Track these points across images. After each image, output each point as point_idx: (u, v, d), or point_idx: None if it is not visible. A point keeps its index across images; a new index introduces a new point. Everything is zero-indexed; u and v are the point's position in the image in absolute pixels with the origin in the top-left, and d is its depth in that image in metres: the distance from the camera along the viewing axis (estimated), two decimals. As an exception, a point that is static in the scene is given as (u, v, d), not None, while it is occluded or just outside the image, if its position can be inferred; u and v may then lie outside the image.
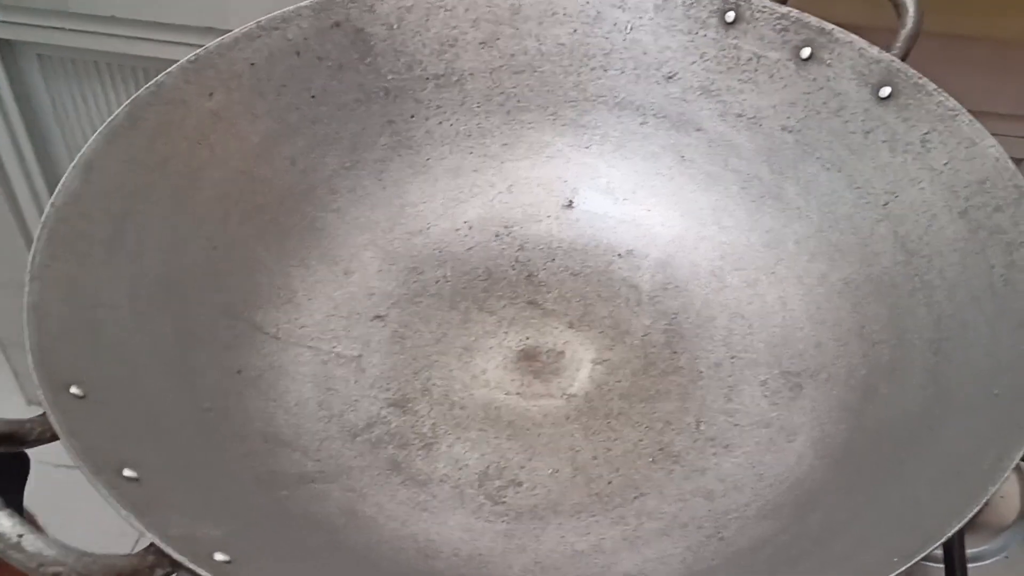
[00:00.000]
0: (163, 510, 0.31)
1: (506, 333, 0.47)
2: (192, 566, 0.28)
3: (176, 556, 0.28)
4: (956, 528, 0.29)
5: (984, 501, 0.30)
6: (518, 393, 0.44)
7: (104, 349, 0.37)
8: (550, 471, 0.42)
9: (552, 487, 0.41)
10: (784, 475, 0.40)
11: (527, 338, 0.47)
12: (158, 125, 0.44)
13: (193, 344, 0.41)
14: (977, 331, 0.38)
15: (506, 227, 0.50)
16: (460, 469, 0.42)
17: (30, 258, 0.37)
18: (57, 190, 0.40)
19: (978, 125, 0.42)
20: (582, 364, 0.45)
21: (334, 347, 0.45)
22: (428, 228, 0.50)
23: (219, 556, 0.30)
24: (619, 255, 0.49)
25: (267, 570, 0.32)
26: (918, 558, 0.29)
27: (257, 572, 0.31)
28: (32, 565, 0.27)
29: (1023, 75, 0.65)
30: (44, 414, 0.32)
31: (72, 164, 0.40)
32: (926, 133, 0.43)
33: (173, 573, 0.29)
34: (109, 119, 0.42)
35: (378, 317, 0.47)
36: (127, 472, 0.32)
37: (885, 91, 0.45)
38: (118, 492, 0.30)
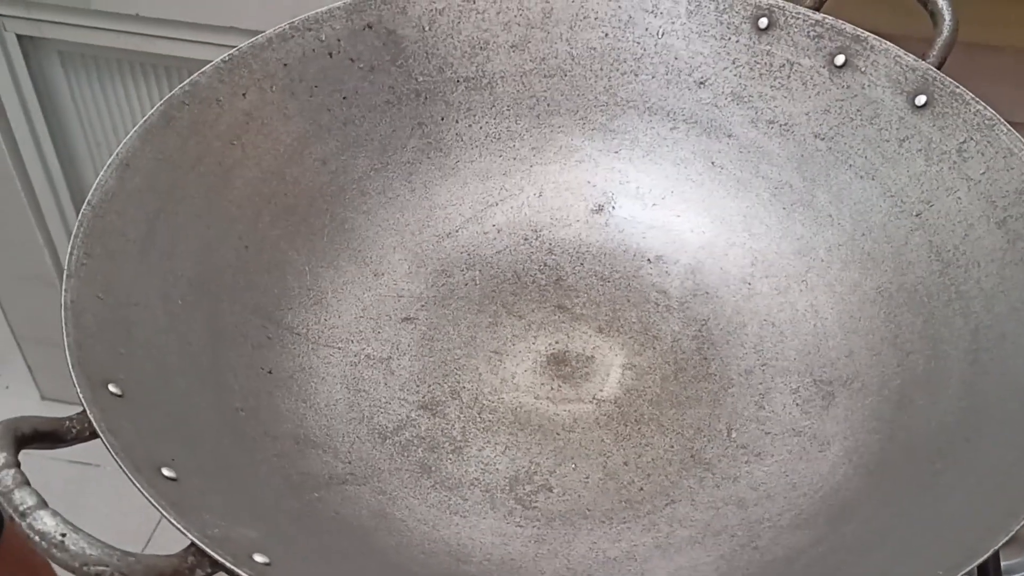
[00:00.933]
0: (201, 510, 0.31)
1: (535, 337, 0.47)
2: (234, 567, 0.28)
3: (218, 557, 0.28)
4: (1001, 542, 0.29)
5: (1030, 515, 0.30)
6: (548, 397, 0.44)
7: (138, 348, 0.37)
8: (581, 476, 0.41)
9: (583, 492, 0.41)
10: (818, 484, 0.40)
11: (556, 342, 0.46)
12: (192, 124, 0.44)
13: (224, 344, 0.41)
14: (1016, 343, 0.37)
15: (535, 231, 0.50)
16: (490, 473, 0.41)
17: (67, 255, 0.37)
18: (93, 188, 0.40)
19: (1016, 135, 0.42)
20: (612, 369, 0.45)
21: (363, 349, 0.45)
22: (457, 231, 0.50)
23: (258, 558, 0.30)
24: (648, 260, 0.49)
25: (303, 572, 0.32)
26: (963, 572, 0.29)
27: (294, 574, 0.31)
28: (75, 564, 0.26)
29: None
30: (83, 412, 0.32)
31: (107, 163, 0.40)
32: (963, 142, 0.43)
33: (213, 574, 0.29)
34: (144, 118, 0.42)
35: (407, 319, 0.47)
36: (166, 471, 0.32)
37: (921, 99, 0.44)
38: (159, 491, 0.30)
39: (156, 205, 0.41)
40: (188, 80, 0.44)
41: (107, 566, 0.26)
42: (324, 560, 0.35)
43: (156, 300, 0.40)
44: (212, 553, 0.28)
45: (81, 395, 0.32)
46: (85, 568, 0.26)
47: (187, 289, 0.41)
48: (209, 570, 0.28)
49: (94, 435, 0.31)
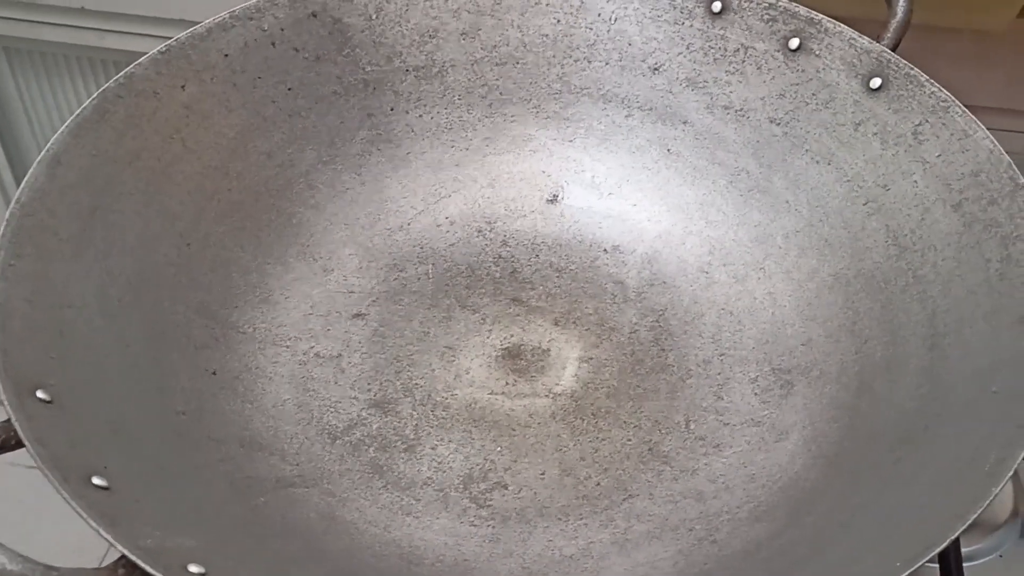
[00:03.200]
0: (134, 520, 0.30)
1: (490, 331, 0.45)
2: (164, 580, 0.27)
3: (148, 569, 0.27)
4: (959, 531, 0.28)
5: (987, 503, 0.29)
6: (503, 392, 0.43)
7: (72, 351, 0.36)
8: (536, 473, 0.41)
9: (539, 489, 0.40)
10: (777, 475, 0.39)
11: (511, 336, 0.45)
12: (128, 118, 0.42)
13: (165, 345, 0.40)
14: (974, 327, 0.37)
15: (489, 223, 0.49)
16: (444, 472, 0.40)
17: (-7, 256, 0.35)
18: (21, 186, 0.38)
19: (971, 117, 0.41)
20: (568, 362, 0.44)
21: (313, 347, 0.44)
22: (409, 224, 0.49)
23: (193, 568, 0.28)
24: (605, 251, 0.48)
25: (244, 582, 0.30)
26: (922, 562, 0.28)
27: (233, 584, 0.29)
28: (-6, 581, 0.25)
29: (1005, 68, 0.65)
30: (8, 420, 0.30)
31: (37, 159, 0.39)
32: (918, 125, 0.42)
33: (145, 587, 0.27)
34: (76, 112, 0.41)
35: (358, 315, 0.46)
36: (96, 480, 0.30)
37: (876, 82, 0.44)
38: (87, 502, 0.28)
39: (91, 202, 0.40)
40: (123, 72, 0.43)
41: (28, 582, 0.25)
42: (268, 567, 0.33)
43: (92, 301, 0.38)
44: (142, 564, 0.27)
45: (6, 402, 0.31)
46: (5, 585, 0.25)
47: (125, 289, 0.40)
48: (140, 583, 0.27)
49: (19, 444, 0.30)
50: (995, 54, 0.63)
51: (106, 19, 0.80)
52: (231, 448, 0.39)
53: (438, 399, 0.43)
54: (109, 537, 0.28)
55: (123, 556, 0.27)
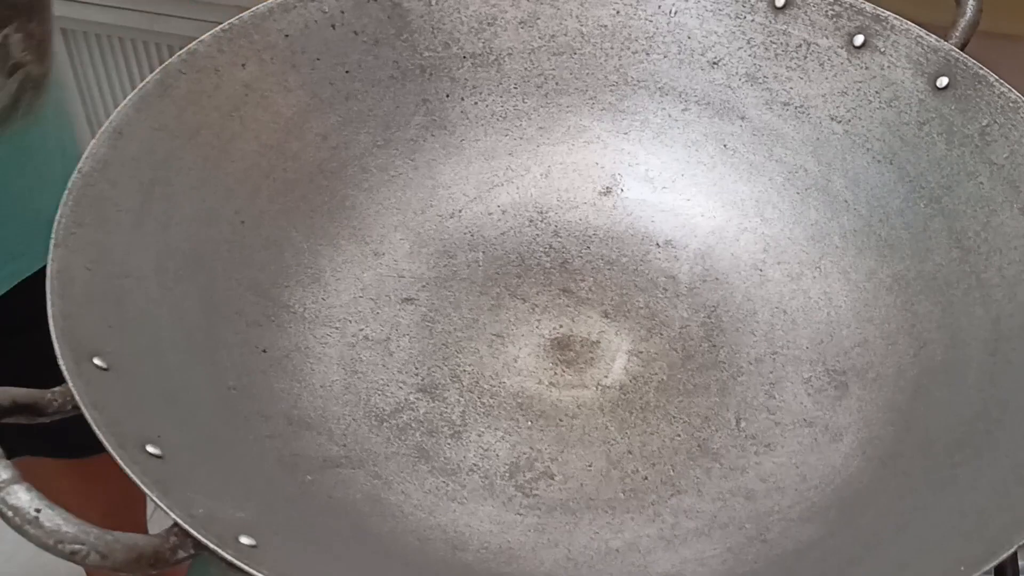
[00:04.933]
0: (187, 489, 0.30)
1: (539, 321, 0.45)
2: (217, 549, 0.27)
3: (201, 538, 0.27)
4: (1026, 537, 0.28)
5: (1056, 509, 0.28)
6: (550, 383, 0.43)
7: (128, 320, 0.36)
8: (583, 464, 0.40)
9: (585, 481, 0.40)
10: (829, 477, 0.38)
11: (560, 326, 0.45)
12: (189, 94, 0.42)
13: (219, 320, 0.40)
14: (1039, 332, 0.36)
15: (540, 213, 0.49)
16: (490, 459, 0.40)
17: (55, 224, 0.36)
18: (84, 156, 0.38)
19: (1042, 119, 0.40)
20: (617, 355, 0.44)
21: (362, 329, 0.44)
22: (460, 211, 0.49)
23: (244, 539, 0.28)
24: (657, 245, 0.48)
25: (292, 555, 0.30)
26: (987, 567, 0.27)
27: (282, 557, 0.29)
28: (50, 542, 0.25)
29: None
30: (66, 385, 0.31)
31: (100, 130, 0.39)
32: (986, 125, 0.41)
33: (196, 555, 0.27)
34: (139, 86, 0.41)
35: (407, 300, 0.45)
36: (150, 448, 0.30)
37: (942, 81, 0.43)
38: (142, 468, 0.29)
39: (151, 175, 0.40)
40: (186, 48, 0.43)
41: (83, 544, 0.25)
42: (315, 544, 0.33)
43: (149, 272, 0.38)
44: (195, 533, 0.27)
45: (64, 367, 0.31)
46: (60, 546, 0.25)
47: (181, 263, 0.40)
48: (192, 551, 0.27)
49: (76, 409, 0.30)
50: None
51: (161, 3, 0.81)
52: (279, 425, 0.38)
53: (485, 386, 0.43)
54: (163, 504, 0.28)
55: (176, 524, 0.27)
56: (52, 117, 0.56)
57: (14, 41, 0.50)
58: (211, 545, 0.27)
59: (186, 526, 0.27)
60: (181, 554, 0.27)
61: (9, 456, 0.26)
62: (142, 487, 0.28)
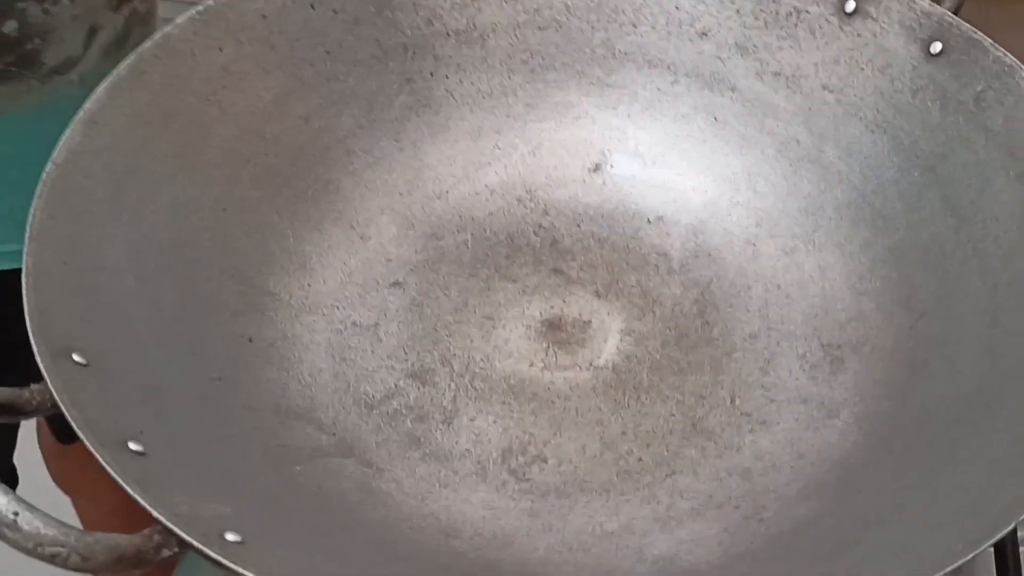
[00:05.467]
0: (170, 487, 0.29)
1: (529, 302, 0.44)
2: (201, 547, 0.26)
3: (184, 536, 0.26)
4: (1026, 514, 0.27)
5: (1057, 485, 0.28)
6: (542, 364, 0.42)
7: (107, 314, 0.35)
8: (577, 447, 0.40)
9: (579, 464, 0.39)
10: (826, 453, 0.38)
11: (551, 307, 0.44)
12: (164, 79, 0.41)
13: (201, 311, 0.39)
14: (1038, 302, 0.35)
15: (529, 191, 0.48)
16: (482, 444, 0.40)
17: (29, 217, 0.35)
18: (58, 147, 0.37)
19: (1038, 82, 0.39)
20: (609, 334, 0.43)
21: (349, 315, 0.43)
22: (448, 192, 0.48)
23: (230, 536, 0.28)
24: (648, 221, 0.47)
25: (279, 551, 0.30)
26: (986, 545, 0.27)
27: (269, 553, 0.29)
28: (29, 545, 0.25)
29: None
30: (44, 383, 0.30)
31: (73, 119, 0.38)
32: (981, 91, 0.41)
33: (181, 554, 0.27)
34: (113, 72, 0.40)
35: (395, 284, 0.45)
36: (132, 445, 0.30)
37: (936, 47, 0.42)
38: (124, 467, 0.28)
39: (126, 164, 0.39)
40: (160, 32, 0.42)
41: (63, 547, 0.25)
42: (304, 537, 0.33)
43: (126, 264, 0.38)
44: (178, 531, 0.26)
45: (41, 364, 0.30)
46: (40, 549, 0.25)
47: (160, 253, 0.39)
48: (176, 550, 0.26)
49: (55, 407, 0.29)
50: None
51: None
52: (266, 416, 0.38)
53: (477, 370, 0.42)
54: (145, 503, 0.27)
55: (159, 522, 0.27)
56: None
57: None
58: (195, 543, 0.26)
59: (169, 524, 0.26)
60: (165, 553, 0.26)
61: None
62: (123, 485, 0.27)
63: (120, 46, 0.52)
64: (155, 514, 0.27)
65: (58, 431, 0.67)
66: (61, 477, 0.71)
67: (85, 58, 0.51)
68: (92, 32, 0.51)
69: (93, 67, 0.52)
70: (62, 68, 0.51)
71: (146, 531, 0.27)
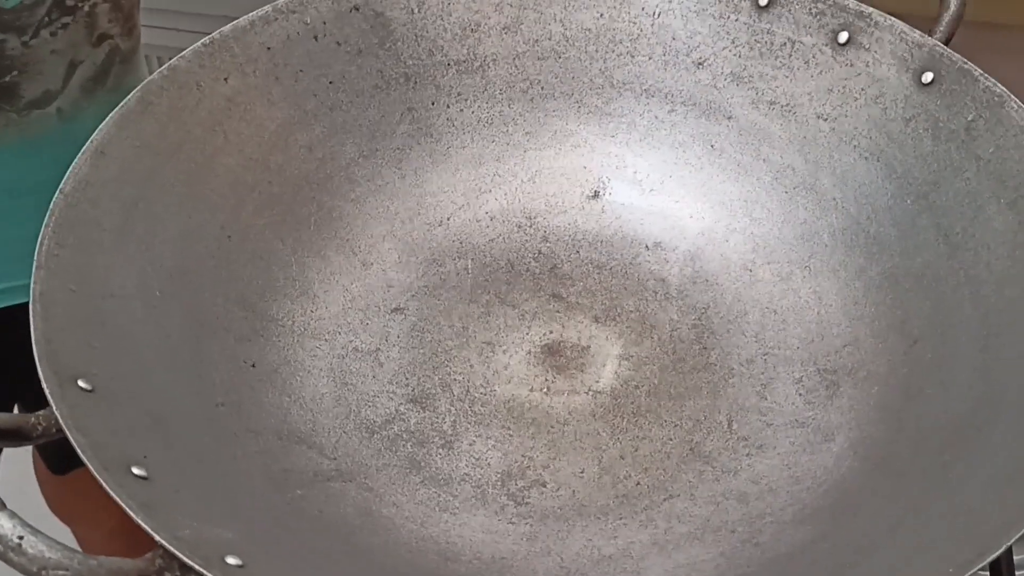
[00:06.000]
0: (173, 511, 0.30)
1: (529, 327, 0.45)
2: (203, 571, 0.27)
3: (186, 559, 0.27)
4: (1015, 537, 0.27)
5: (1046, 509, 0.28)
6: (542, 389, 0.43)
7: (113, 341, 0.36)
8: (575, 471, 0.40)
9: (577, 488, 0.39)
10: (822, 478, 0.38)
11: (551, 332, 0.45)
12: (171, 110, 0.42)
13: (205, 337, 0.40)
14: (1029, 328, 0.36)
15: (529, 218, 0.49)
16: (481, 468, 0.40)
17: (37, 246, 0.36)
18: (66, 176, 0.38)
19: (1027, 112, 0.40)
20: (608, 359, 0.44)
21: (351, 341, 0.44)
22: (448, 219, 0.48)
23: (231, 560, 0.28)
24: (646, 247, 0.48)
25: (280, 574, 0.30)
26: (975, 569, 0.27)
27: (271, 576, 0.29)
28: (33, 569, 0.25)
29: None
30: (50, 409, 0.31)
31: (82, 150, 0.39)
32: (971, 120, 0.41)
33: (182, 577, 0.27)
34: (120, 104, 0.41)
35: (397, 310, 0.45)
36: (136, 470, 0.30)
37: (927, 77, 0.43)
38: (127, 491, 0.28)
39: (133, 193, 0.40)
40: (167, 64, 0.43)
41: (67, 570, 0.25)
42: (305, 561, 0.33)
43: (133, 291, 0.38)
44: (180, 555, 0.27)
45: (48, 391, 0.31)
46: (44, 573, 0.25)
47: (166, 280, 0.40)
48: (178, 573, 0.27)
49: (60, 432, 0.30)
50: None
51: (146, 15, 0.80)
52: (269, 440, 0.38)
53: (476, 395, 0.42)
54: (147, 527, 0.27)
55: (161, 546, 0.27)
56: None
57: (101, 11, 0.51)
58: (197, 566, 0.27)
59: (171, 548, 0.27)
60: (167, 576, 0.27)
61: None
62: (127, 510, 0.28)
63: (99, 81, 0.53)
64: (157, 538, 0.27)
65: (51, 461, 0.67)
66: (58, 506, 0.71)
67: (65, 92, 0.51)
68: (72, 66, 0.51)
69: (72, 101, 0.52)
70: (41, 102, 0.51)
71: (148, 555, 0.27)
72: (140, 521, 0.28)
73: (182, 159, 0.42)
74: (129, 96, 0.41)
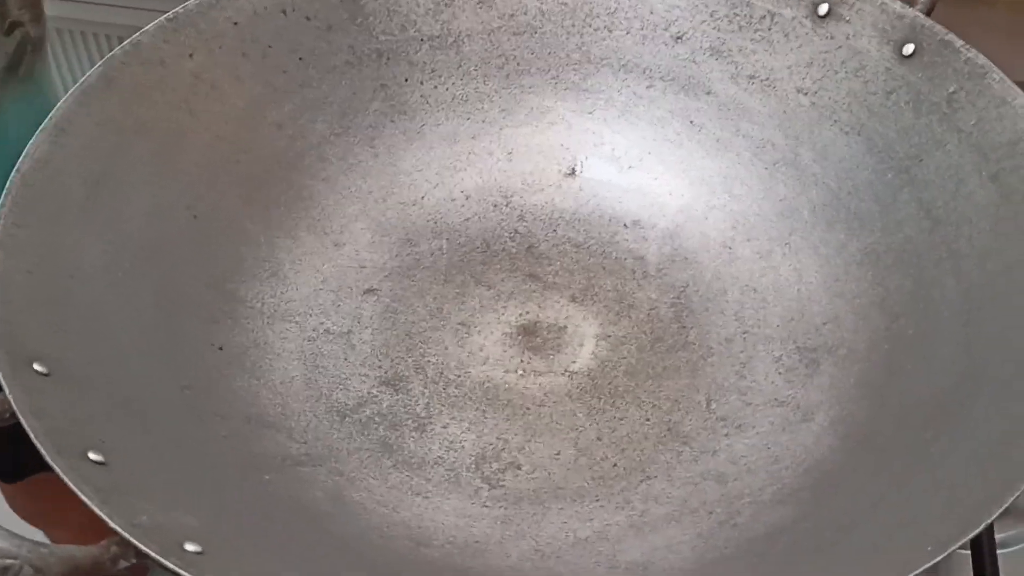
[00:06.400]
0: (131, 497, 0.29)
1: (505, 307, 0.44)
2: (158, 558, 0.26)
3: (141, 547, 0.26)
4: (996, 514, 0.27)
5: (1026, 485, 0.27)
6: (517, 371, 0.42)
7: (74, 323, 0.35)
8: (551, 453, 0.39)
9: (553, 470, 0.39)
10: (801, 457, 0.37)
11: (527, 313, 0.44)
12: (135, 87, 0.41)
13: (172, 318, 0.39)
14: (1011, 302, 0.35)
15: (505, 197, 0.48)
16: (455, 451, 0.39)
17: (-6, 226, 0.35)
18: (24, 155, 0.37)
19: (1009, 83, 0.39)
20: (585, 340, 0.43)
21: (322, 322, 0.43)
22: (423, 198, 0.47)
23: (190, 546, 0.27)
24: (624, 225, 0.47)
25: (243, 561, 0.29)
26: (955, 547, 0.26)
27: (231, 563, 0.28)
28: (-19, 557, 0.24)
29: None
30: (2, 393, 0.30)
31: (40, 128, 0.38)
32: (953, 92, 0.40)
33: (139, 565, 0.26)
34: (81, 80, 0.40)
35: (369, 291, 0.44)
36: (93, 455, 0.29)
37: (908, 48, 0.42)
38: (79, 476, 0.27)
39: (96, 172, 0.39)
40: (129, 40, 0.42)
41: (15, 559, 0.24)
42: (272, 547, 0.32)
43: (96, 272, 0.37)
44: (134, 541, 0.26)
45: (1, 374, 0.30)
46: (-8, 561, 0.24)
47: (131, 260, 0.39)
48: (134, 560, 0.26)
49: (14, 418, 0.29)
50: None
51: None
52: (237, 424, 0.37)
53: (451, 377, 0.42)
54: (103, 513, 0.27)
55: (116, 533, 0.26)
56: (50, 85, 0.55)
57: None
58: (152, 554, 0.26)
59: (126, 535, 0.26)
60: (123, 564, 0.26)
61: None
62: (80, 495, 0.27)
63: (12, 71, 0.51)
64: (112, 524, 0.26)
65: (3, 473, 0.65)
66: (23, 513, 0.70)
67: None
68: None
69: None
70: None
71: (103, 542, 0.26)
72: (95, 507, 0.27)
73: (147, 137, 0.41)
74: (90, 72, 0.40)
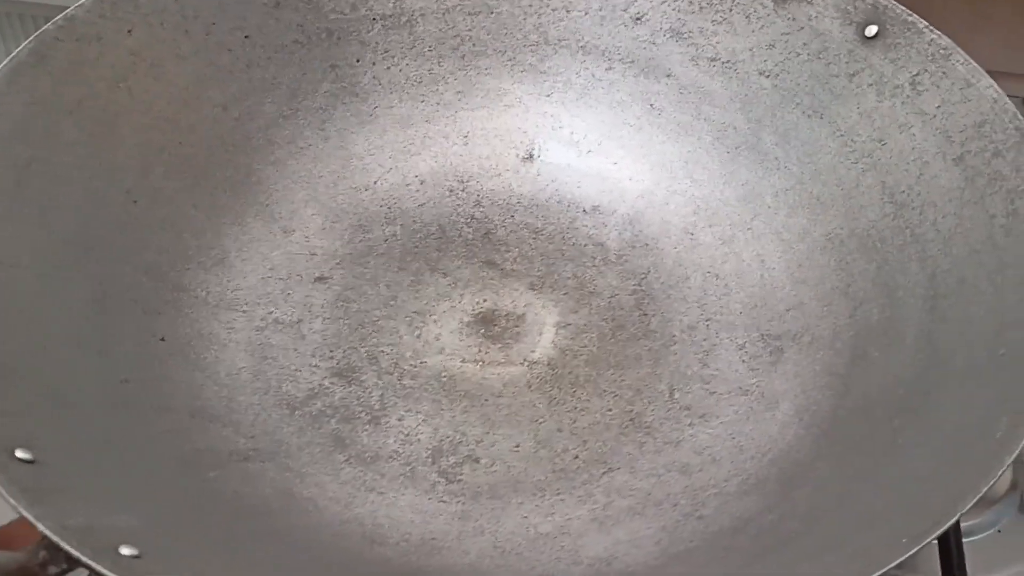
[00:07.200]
0: (64, 497, 0.27)
1: (461, 295, 0.43)
2: (90, 562, 0.24)
3: (71, 551, 0.24)
4: (971, 504, 0.26)
5: (1001, 472, 0.27)
6: (475, 360, 0.41)
7: (4, 315, 0.33)
8: (510, 445, 0.38)
9: (513, 463, 0.37)
10: (766, 447, 0.36)
11: (484, 301, 0.43)
12: (68, 64, 0.39)
13: (109, 309, 0.37)
14: (977, 287, 0.35)
15: (461, 181, 0.46)
16: (411, 445, 0.38)
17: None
18: (-53, 135, 0.35)
19: (974, 65, 0.38)
20: (544, 328, 0.42)
21: (271, 312, 0.41)
22: (376, 183, 0.46)
23: (126, 550, 0.26)
24: (584, 211, 0.46)
25: (184, 564, 0.28)
26: (931, 538, 0.25)
27: (170, 566, 0.27)
28: None
29: (1003, 29, 0.62)
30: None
31: (-34, 106, 0.36)
32: (916, 75, 0.40)
33: (70, 570, 0.25)
34: (9, 57, 0.38)
35: (320, 279, 0.43)
36: (20, 453, 0.27)
37: (871, 30, 0.41)
38: (6, 476, 0.26)
39: (26, 153, 0.37)
40: (63, 15, 0.39)
41: (-68, 566, 0.22)
42: (216, 547, 0.31)
43: (25, 260, 0.35)
44: (65, 545, 0.24)
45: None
46: (-94, 569, 0.22)
47: (65, 248, 0.37)
48: (64, 566, 0.24)
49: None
50: (992, 13, 0.61)
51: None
52: (180, 419, 0.36)
53: (405, 367, 0.40)
54: (30, 515, 0.25)
55: (46, 536, 0.24)
56: None
57: None
58: (84, 559, 0.24)
59: (55, 538, 0.24)
60: (52, 570, 0.24)
61: None
62: (6, 496, 0.25)
63: None
64: (40, 527, 0.24)
65: None
66: None
67: None
68: None
69: None
70: None
71: (30, 546, 0.24)
72: (22, 509, 0.25)
73: (82, 117, 0.39)
74: (20, 48, 0.38)
